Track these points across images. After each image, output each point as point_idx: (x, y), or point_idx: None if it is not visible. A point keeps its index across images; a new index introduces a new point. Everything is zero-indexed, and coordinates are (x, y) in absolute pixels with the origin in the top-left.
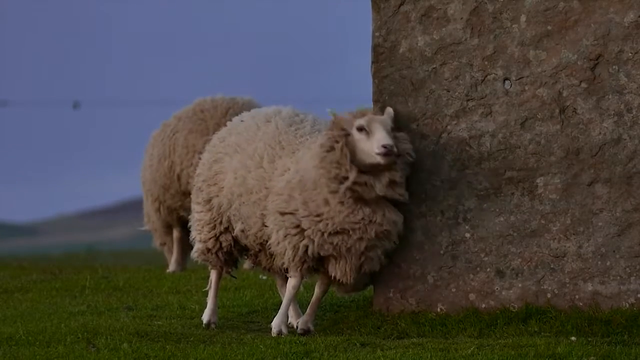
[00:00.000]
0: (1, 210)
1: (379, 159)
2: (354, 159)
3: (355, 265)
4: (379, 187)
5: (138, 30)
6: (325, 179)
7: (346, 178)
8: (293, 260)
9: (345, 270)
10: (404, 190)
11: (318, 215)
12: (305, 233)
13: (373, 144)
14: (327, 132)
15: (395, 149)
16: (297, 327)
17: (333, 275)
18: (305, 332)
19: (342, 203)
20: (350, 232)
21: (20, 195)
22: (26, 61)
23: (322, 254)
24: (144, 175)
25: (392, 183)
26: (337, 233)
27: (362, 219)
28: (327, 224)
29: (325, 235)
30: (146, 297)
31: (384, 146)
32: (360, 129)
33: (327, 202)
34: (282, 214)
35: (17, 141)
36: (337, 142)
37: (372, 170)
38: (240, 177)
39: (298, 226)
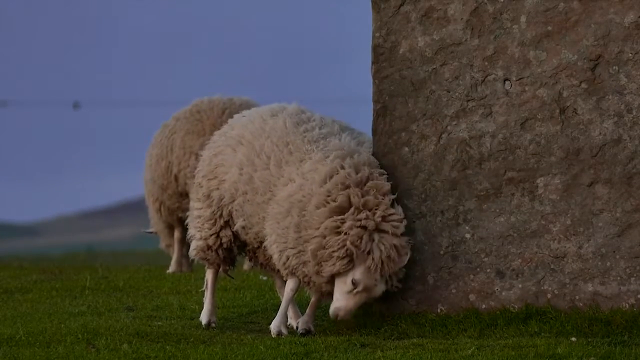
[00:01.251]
0: (1, 210)
1: (330, 312)
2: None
3: (331, 291)
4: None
5: (139, 30)
6: (312, 252)
7: (321, 274)
8: (279, 263)
9: (321, 293)
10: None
11: (304, 247)
12: (287, 250)
13: (337, 304)
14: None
15: (340, 319)
16: (296, 327)
17: (308, 291)
18: (307, 332)
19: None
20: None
21: (20, 195)
22: (26, 61)
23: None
24: (145, 175)
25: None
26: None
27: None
28: (307, 262)
29: (301, 266)
30: (146, 297)
31: (337, 314)
32: (354, 283)
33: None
34: (278, 222)
35: (17, 141)
36: (334, 264)
37: None
38: (247, 174)
39: (287, 240)
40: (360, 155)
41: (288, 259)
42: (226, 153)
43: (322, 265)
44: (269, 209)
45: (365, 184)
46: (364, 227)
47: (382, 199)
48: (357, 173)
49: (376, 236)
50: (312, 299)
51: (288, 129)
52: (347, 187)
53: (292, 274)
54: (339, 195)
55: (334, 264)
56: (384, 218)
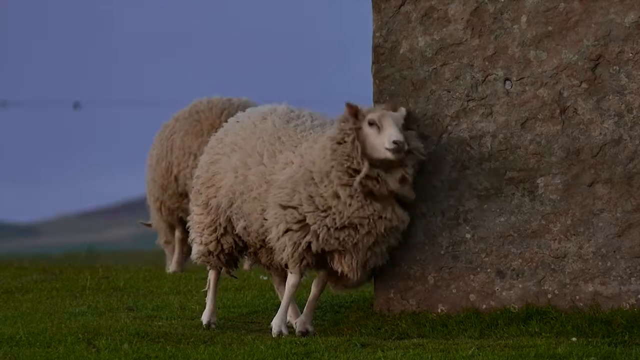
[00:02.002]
0: (1, 210)
1: (389, 155)
2: (364, 153)
3: (361, 261)
4: (392, 182)
5: (139, 30)
6: (336, 171)
7: (357, 171)
8: (292, 256)
9: (351, 265)
10: (411, 186)
11: (325, 210)
12: (311, 228)
13: (384, 139)
14: (339, 125)
15: (405, 146)
16: (295, 327)
17: (339, 270)
18: (304, 333)
19: (352, 197)
20: (359, 227)
21: (20, 195)
22: (26, 61)
23: (327, 249)
24: (147, 175)
25: (403, 180)
26: (344, 227)
27: (372, 214)
28: (335, 219)
29: (332, 230)
30: (147, 297)
31: (395, 142)
32: (372, 123)
33: (336, 196)
34: (284, 207)
35: (17, 141)
36: (348, 134)
37: (382, 165)
38: (242, 175)
39: (301, 221)
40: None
41: (309, 243)
42: (222, 161)
43: (348, 173)
44: (268, 198)
45: None
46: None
47: None
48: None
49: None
50: (310, 297)
51: (278, 127)
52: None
53: (307, 265)
54: (343, 137)
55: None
56: None
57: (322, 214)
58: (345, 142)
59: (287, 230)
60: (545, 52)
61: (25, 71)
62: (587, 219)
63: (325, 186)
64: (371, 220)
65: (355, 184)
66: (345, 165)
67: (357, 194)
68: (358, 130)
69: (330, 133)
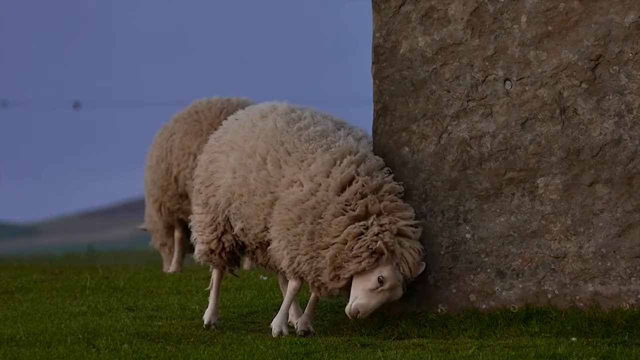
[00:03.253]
0: (1, 210)
1: (346, 309)
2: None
3: (341, 293)
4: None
5: (139, 31)
6: (330, 257)
7: (338, 279)
8: (288, 268)
9: (331, 296)
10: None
11: (317, 252)
12: (298, 257)
13: (359, 301)
14: (364, 248)
15: (358, 318)
16: (296, 327)
17: (316, 293)
18: (306, 333)
19: (338, 278)
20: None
21: (20, 195)
22: (26, 61)
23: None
24: (146, 176)
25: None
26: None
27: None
28: (319, 269)
29: (313, 272)
30: (147, 297)
31: (357, 312)
32: (380, 281)
33: (325, 266)
34: (288, 229)
35: (17, 141)
36: (360, 263)
37: None
38: (241, 176)
39: (298, 244)
40: (371, 160)
41: (299, 264)
42: (220, 160)
43: (342, 268)
44: (274, 213)
45: (379, 189)
46: (391, 231)
47: (399, 202)
48: (372, 180)
49: (404, 240)
50: (311, 298)
51: (279, 129)
52: (365, 195)
53: (301, 278)
54: (358, 204)
55: (359, 263)
56: (405, 224)
57: (313, 253)
58: (354, 259)
59: (285, 247)
60: (545, 52)
61: (25, 71)
62: (587, 219)
63: (325, 242)
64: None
65: (335, 285)
66: (337, 262)
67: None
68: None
69: (353, 229)
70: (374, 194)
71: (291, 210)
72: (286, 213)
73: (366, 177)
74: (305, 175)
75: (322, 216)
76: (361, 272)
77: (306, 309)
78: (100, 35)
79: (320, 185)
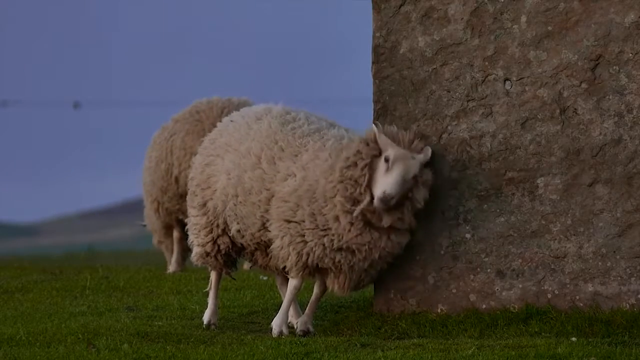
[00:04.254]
0: (1, 210)
1: (376, 203)
2: (369, 185)
3: (354, 281)
4: (387, 220)
5: (139, 30)
6: (339, 196)
7: (359, 201)
8: (296, 265)
9: (344, 284)
10: (412, 219)
11: (324, 230)
12: (308, 245)
13: (382, 183)
14: (358, 145)
15: (393, 201)
16: (296, 327)
17: (331, 288)
18: (305, 333)
19: (351, 224)
20: (356, 252)
21: (20, 195)
22: (26, 61)
23: (320, 265)
24: (144, 176)
25: (399, 219)
26: (340, 250)
27: (369, 241)
28: (333, 240)
29: (328, 250)
30: (147, 297)
31: (384, 194)
32: (386, 160)
33: (337, 219)
34: (288, 221)
35: (17, 141)
36: (362, 159)
37: None
38: (235, 177)
39: (303, 235)
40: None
41: (309, 255)
42: (216, 163)
43: (357, 190)
44: (272, 209)
45: None
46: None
47: None
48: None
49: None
50: (312, 298)
51: (274, 129)
52: (349, 146)
53: (310, 273)
54: (339, 159)
55: (362, 167)
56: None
57: (321, 232)
58: (356, 165)
59: (291, 242)
60: (545, 52)
61: (25, 71)
62: (587, 219)
63: (328, 207)
64: (368, 247)
65: (355, 213)
66: (349, 192)
67: (357, 222)
68: (374, 157)
69: (346, 152)
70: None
71: (288, 201)
72: (283, 205)
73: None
74: (298, 166)
75: (315, 192)
76: (371, 175)
77: (306, 309)
78: (101, 35)
79: (309, 169)
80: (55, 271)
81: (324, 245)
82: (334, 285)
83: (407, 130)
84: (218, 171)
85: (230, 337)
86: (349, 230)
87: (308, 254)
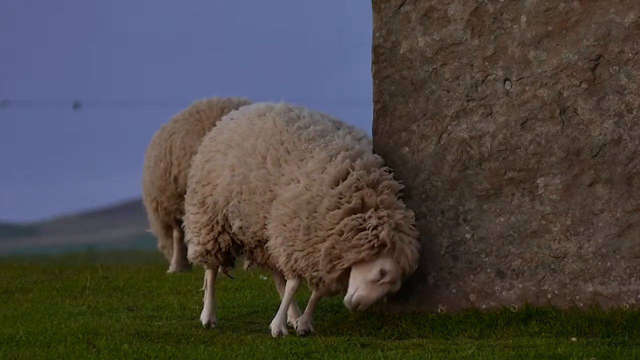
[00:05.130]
0: (1, 210)
1: (344, 301)
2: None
3: (339, 289)
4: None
5: (139, 30)
6: (325, 248)
7: (334, 269)
8: (285, 266)
9: (329, 292)
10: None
11: (314, 247)
12: (295, 253)
13: (360, 293)
14: (364, 240)
15: (358, 310)
16: (296, 327)
17: (314, 290)
18: (306, 332)
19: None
20: (331, 285)
21: (20, 195)
22: (26, 61)
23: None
24: (144, 176)
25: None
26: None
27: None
28: (316, 264)
29: (310, 266)
30: (147, 297)
31: (359, 305)
32: (382, 273)
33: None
34: (284, 225)
35: (17, 141)
36: (359, 252)
37: None
38: (240, 174)
39: (294, 240)
40: (368, 156)
41: (296, 261)
42: (217, 158)
43: (339, 259)
44: (272, 210)
45: (377, 185)
46: (389, 224)
47: (398, 200)
48: (368, 175)
49: (403, 235)
50: (312, 297)
51: (279, 128)
52: (360, 188)
53: (299, 275)
54: (353, 196)
55: (358, 253)
56: (403, 218)
57: (310, 249)
58: (352, 250)
59: (282, 244)
60: (545, 52)
61: (26, 71)
62: (587, 219)
63: (321, 236)
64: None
65: (331, 277)
66: (333, 254)
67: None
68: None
69: (352, 209)
70: (370, 188)
71: (287, 206)
72: (282, 208)
73: (362, 171)
74: (302, 173)
75: (317, 210)
76: (360, 263)
77: (306, 308)
78: (101, 35)
79: (315, 180)
80: (55, 271)
81: (308, 261)
82: (316, 289)
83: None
84: (219, 166)
85: (230, 337)
86: (329, 273)
87: (296, 260)
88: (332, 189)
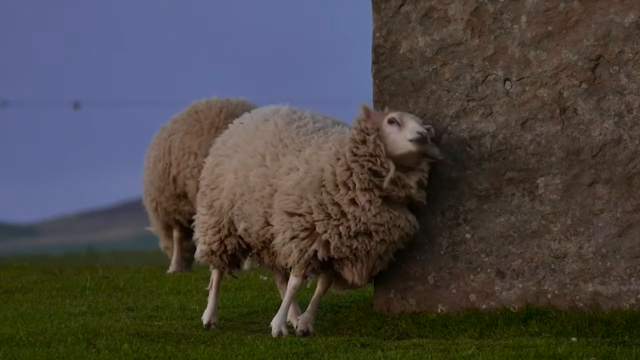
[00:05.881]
0: (1, 210)
1: (412, 147)
2: (387, 152)
3: (370, 268)
4: (412, 185)
5: (139, 30)
6: (357, 175)
7: (379, 174)
8: (298, 262)
9: (361, 273)
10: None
11: (338, 218)
12: (322, 237)
13: (406, 133)
14: (357, 125)
15: (429, 137)
16: (296, 326)
17: (349, 279)
18: (305, 333)
19: (370, 202)
20: (373, 234)
21: (20, 195)
22: (27, 61)
23: (336, 257)
24: (143, 176)
25: (421, 184)
26: (357, 235)
27: (388, 221)
28: (350, 226)
29: (345, 237)
30: (147, 297)
31: (419, 132)
32: (392, 121)
33: (353, 202)
34: (291, 214)
35: (17, 141)
36: (370, 133)
37: (403, 166)
38: (242, 176)
39: (308, 229)
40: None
41: (322, 248)
42: (225, 163)
43: (373, 174)
44: (274, 204)
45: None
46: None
47: None
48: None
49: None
50: (314, 296)
51: (280, 128)
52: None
53: (313, 270)
54: (344, 144)
55: (373, 144)
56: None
57: (335, 222)
58: (366, 142)
59: (293, 237)
60: (545, 52)
61: (26, 71)
62: (587, 219)
63: (341, 193)
64: (386, 228)
65: (385, 183)
66: (367, 167)
67: (376, 199)
68: (377, 130)
69: (343, 137)
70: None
71: (291, 194)
72: (286, 198)
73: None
74: (301, 160)
75: (323, 181)
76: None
77: (309, 306)
78: (101, 35)
79: (312, 161)
80: (55, 271)
81: (339, 234)
82: (353, 275)
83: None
84: (226, 170)
85: (230, 337)
86: (369, 210)
87: (315, 250)
88: (328, 156)
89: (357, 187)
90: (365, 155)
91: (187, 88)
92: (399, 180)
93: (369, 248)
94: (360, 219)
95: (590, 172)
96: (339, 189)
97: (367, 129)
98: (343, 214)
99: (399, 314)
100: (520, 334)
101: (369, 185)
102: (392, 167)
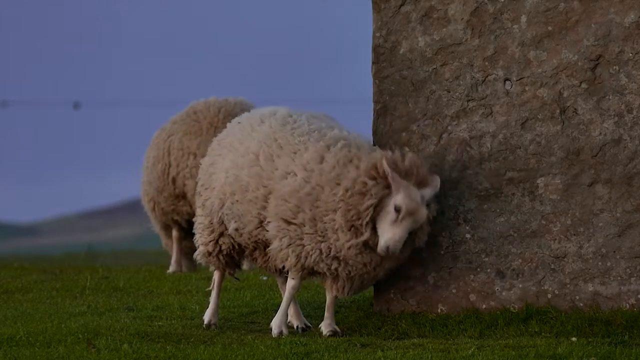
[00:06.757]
0: (1, 210)
1: (378, 249)
2: (374, 220)
3: (354, 288)
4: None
5: (139, 30)
6: (341, 216)
7: (359, 231)
8: (295, 266)
9: (342, 290)
10: (423, 239)
11: (323, 236)
12: (305, 248)
13: (386, 236)
14: (367, 175)
15: (396, 254)
16: (296, 327)
17: (333, 292)
18: (334, 332)
19: (350, 245)
20: (353, 267)
21: (20, 195)
22: (27, 61)
23: (316, 270)
24: (142, 176)
25: (400, 253)
26: (337, 259)
27: (369, 262)
28: (330, 248)
29: (324, 256)
30: (147, 297)
31: (388, 248)
32: (397, 210)
33: (336, 232)
34: (288, 222)
35: (17, 141)
36: (370, 197)
37: None
38: (232, 175)
39: (302, 238)
40: (366, 145)
41: (307, 258)
42: (218, 162)
43: (358, 217)
44: (269, 207)
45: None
46: (386, 157)
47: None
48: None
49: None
50: (327, 302)
51: (274, 129)
52: (358, 166)
53: (309, 273)
54: (346, 176)
55: (370, 195)
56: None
57: (319, 238)
58: (363, 197)
59: (290, 244)
60: (545, 52)
61: (26, 71)
62: (587, 219)
63: (329, 218)
64: (366, 266)
65: (354, 242)
66: (350, 216)
67: (357, 243)
68: (385, 196)
69: (350, 170)
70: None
71: (288, 201)
72: (283, 204)
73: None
74: (298, 165)
75: (319, 199)
76: (379, 215)
77: (325, 312)
78: (100, 35)
79: (313, 171)
80: (55, 271)
81: (320, 250)
82: (332, 289)
83: (420, 165)
84: (218, 169)
85: (230, 337)
86: (348, 249)
87: (306, 257)
88: (330, 173)
89: (339, 223)
90: (354, 207)
91: (187, 88)
92: (377, 243)
93: (351, 274)
94: (340, 250)
95: (590, 172)
96: (329, 214)
97: (370, 190)
98: (327, 237)
99: (399, 314)
100: (520, 334)
101: (350, 229)
102: (365, 235)
